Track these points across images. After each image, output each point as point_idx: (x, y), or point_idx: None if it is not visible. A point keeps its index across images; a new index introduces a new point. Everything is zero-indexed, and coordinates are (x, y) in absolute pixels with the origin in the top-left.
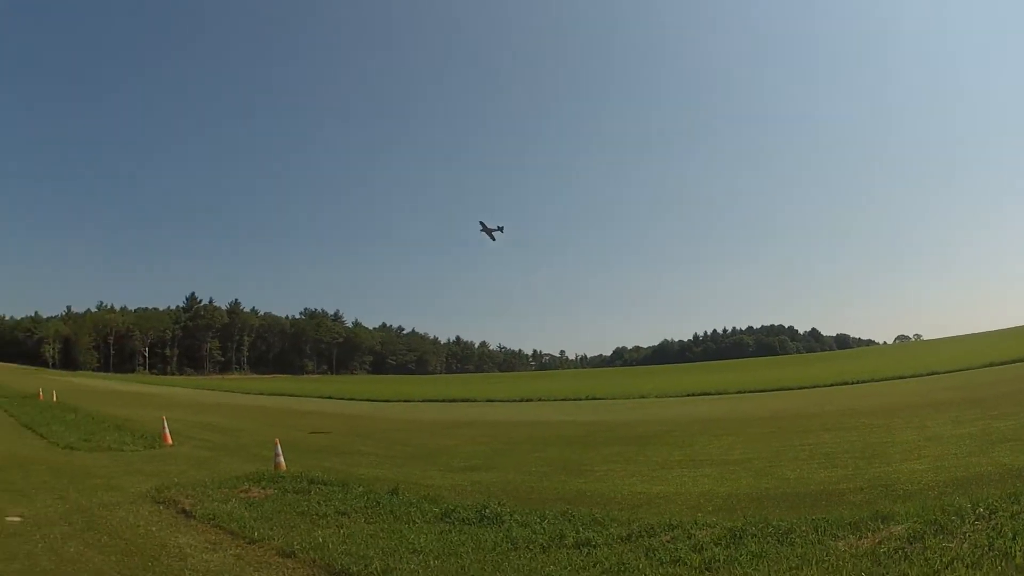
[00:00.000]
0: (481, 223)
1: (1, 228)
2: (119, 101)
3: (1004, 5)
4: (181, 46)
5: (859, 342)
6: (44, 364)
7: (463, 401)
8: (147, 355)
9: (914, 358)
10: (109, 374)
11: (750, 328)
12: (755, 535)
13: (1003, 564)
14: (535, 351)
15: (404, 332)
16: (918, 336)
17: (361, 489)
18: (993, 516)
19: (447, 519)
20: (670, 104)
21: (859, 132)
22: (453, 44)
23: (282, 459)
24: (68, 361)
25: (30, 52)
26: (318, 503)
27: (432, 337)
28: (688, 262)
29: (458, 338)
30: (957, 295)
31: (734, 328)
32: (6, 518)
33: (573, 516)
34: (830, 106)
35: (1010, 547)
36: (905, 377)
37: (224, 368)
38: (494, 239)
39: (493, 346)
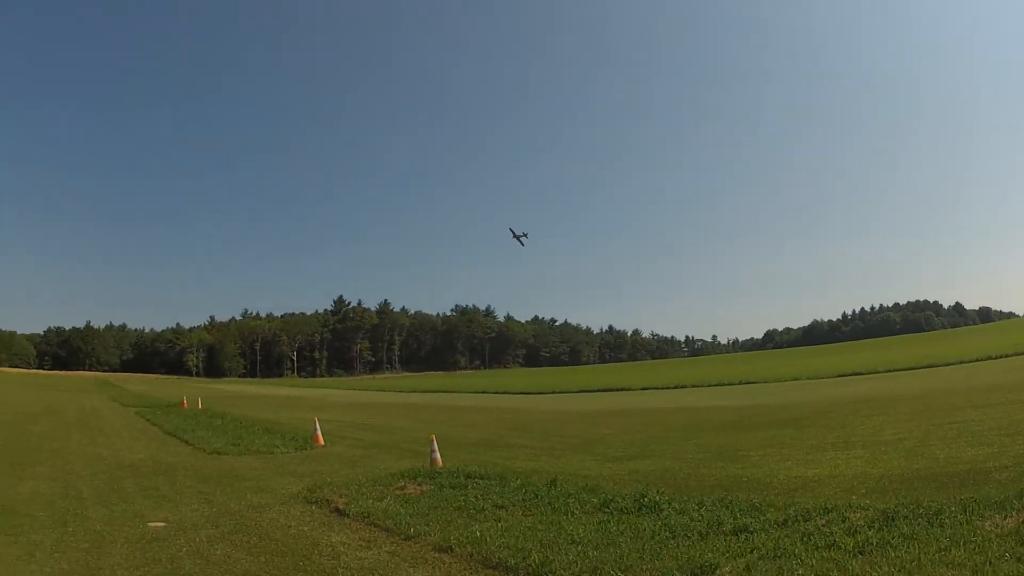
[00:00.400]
0: (511, 230)
1: (140, 244)
2: (248, 102)
3: None
4: (312, 44)
5: (1000, 315)
6: (187, 373)
7: (618, 390)
8: (295, 359)
9: None
10: (256, 379)
11: (896, 305)
12: (907, 517)
13: None
14: (687, 337)
15: (556, 324)
16: None
17: (519, 482)
18: None
19: (605, 509)
20: (803, 74)
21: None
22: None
23: (438, 455)
24: (212, 369)
25: (157, 56)
26: (475, 497)
27: (585, 327)
28: (834, 239)
29: (611, 327)
30: None
31: (881, 305)
32: (148, 524)
33: (731, 502)
34: (970, 74)
35: None
36: None
37: (375, 368)
38: (523, 244)
39: (646, 334)
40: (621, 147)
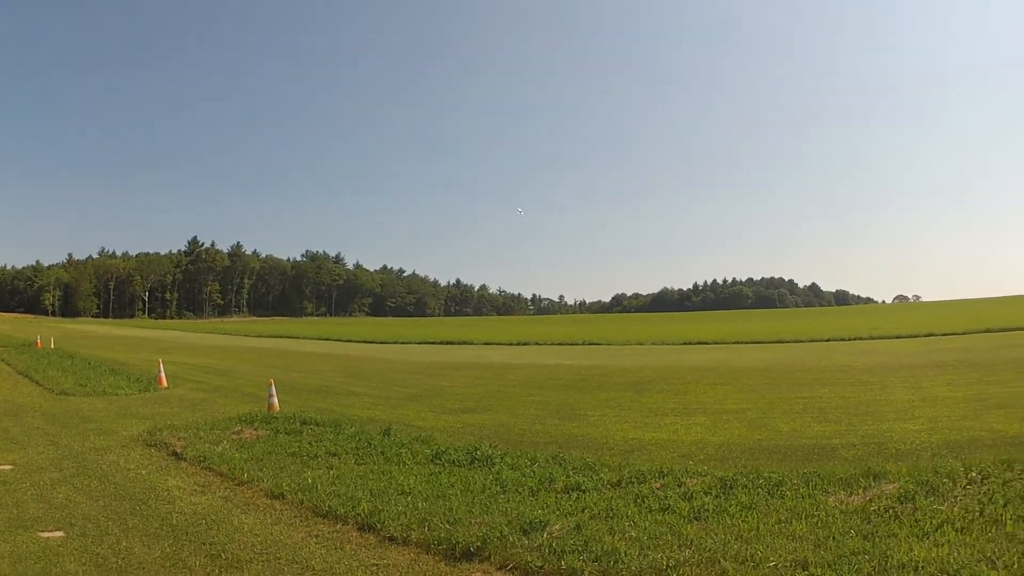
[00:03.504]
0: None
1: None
2: (121, 48)
3: None
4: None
5: (858, 299)
6: (44, 312)
7: (460, 344)
8: (147, 300)
9: (913, 319)
10: (108, 319)
11: (750, 280)
12: (746, 486)
13: (993, 530)
14: (534, 295)
15: (404, 274)
16: (917, 297)
17: (353, 430)
18: (985, 481)
19: (437, 460)
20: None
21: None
22: None
23: (276, 400)
24: (68, 308)
25: None
26: (309, 444)
27: (432, 280)
28: (690, 209)
29: (458, 281)
30: (959, 259)
31: (734, 279)
32: None
33: (564, 460)
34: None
35: (1001, 514)
36: (903, 337)
37: (223, 311)
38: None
39: (493, 290)
40: (468, 93)
